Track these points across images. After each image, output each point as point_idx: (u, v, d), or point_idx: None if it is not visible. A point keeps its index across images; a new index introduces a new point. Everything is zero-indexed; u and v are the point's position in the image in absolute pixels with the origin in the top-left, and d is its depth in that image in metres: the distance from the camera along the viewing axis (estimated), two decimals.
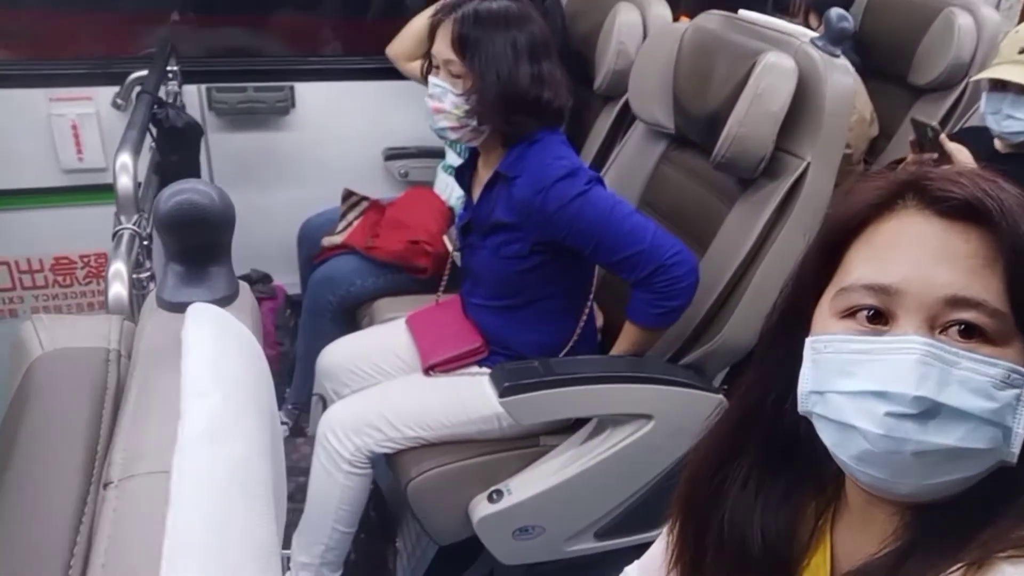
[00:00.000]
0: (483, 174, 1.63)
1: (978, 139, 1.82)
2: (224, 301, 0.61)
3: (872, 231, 0.62)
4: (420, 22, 2.21)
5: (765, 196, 1.54)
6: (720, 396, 1.54)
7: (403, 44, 2.28)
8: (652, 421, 1.52)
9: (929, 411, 0.55)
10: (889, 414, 0.55)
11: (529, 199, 1.47)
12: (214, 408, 0.46)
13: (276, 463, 0.57)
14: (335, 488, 1.59)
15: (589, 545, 1.67)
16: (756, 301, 1.55)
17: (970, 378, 0.55)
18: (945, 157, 1.70)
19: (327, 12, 2.83)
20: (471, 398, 1.57)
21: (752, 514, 0.71)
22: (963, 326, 0.56)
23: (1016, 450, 0.56)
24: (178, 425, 0.45)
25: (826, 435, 0.62)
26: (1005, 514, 0.57)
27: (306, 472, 1.64)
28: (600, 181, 1.51)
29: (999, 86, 1.73)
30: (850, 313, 0.61)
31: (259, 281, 2.57)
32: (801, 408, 0.64)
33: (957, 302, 0.56)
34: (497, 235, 1.55)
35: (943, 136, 1.76)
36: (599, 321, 1.77)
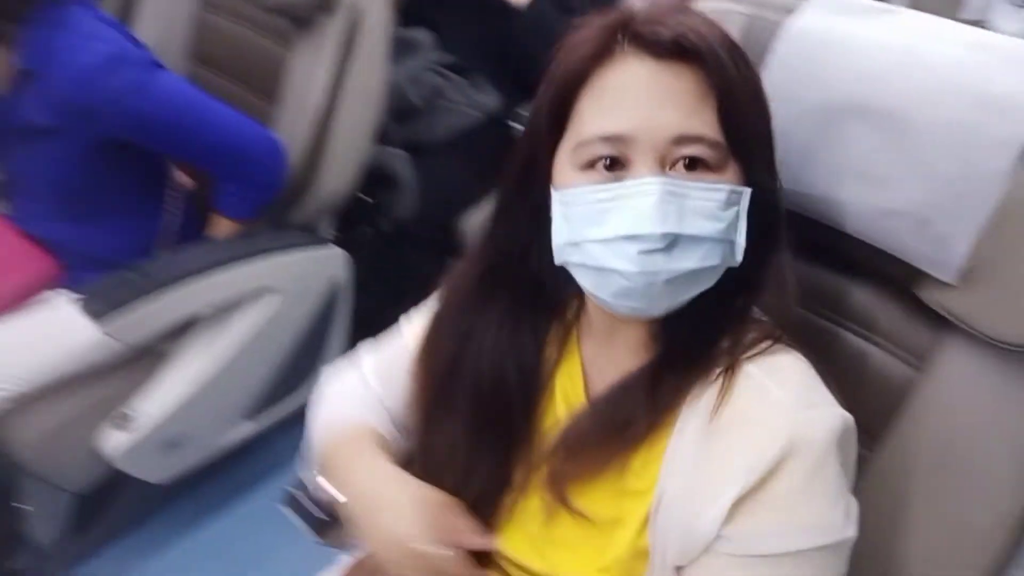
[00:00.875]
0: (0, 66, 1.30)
1: None
2: None
3: (596, 81, 0.65)
4: None
5: (325, 34, 1.46)
6: (338, 249, 1.51)
7: None
8: (276, 293, 1.46)
9: (673, 242, 0.62)
10: (641, 252, 0.61)
11: (69, 97, 1.22)
12: None
13: None
14: None
15: (242, 429, 1.62)
16: (346, 144, 1.51)
17: (701, 206, 0.62)
18: None
19: None
20: (62, 330, 1.34)
21: (505, 352, 0.75)
22: (688, 160, 0.63)
23: (740, 257, 0.66)
24: None
25: (584, 280, 0.67)
26: (738, 319, 0.68)
27: None
28: (158, 64, 1.30)
29: None
30: (590, 164, 0.64)
31: None
32: (557, 259, 0.68)
33: (681, 140, 0.62)
34: (42, 140, 1.28)
35: None
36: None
